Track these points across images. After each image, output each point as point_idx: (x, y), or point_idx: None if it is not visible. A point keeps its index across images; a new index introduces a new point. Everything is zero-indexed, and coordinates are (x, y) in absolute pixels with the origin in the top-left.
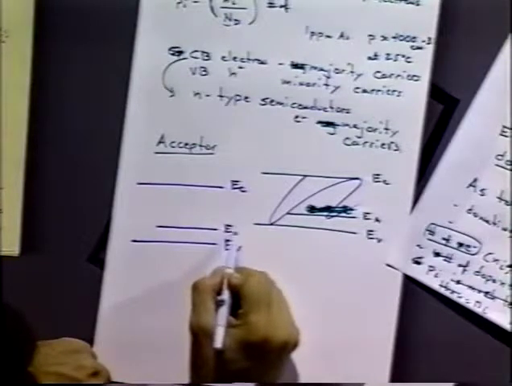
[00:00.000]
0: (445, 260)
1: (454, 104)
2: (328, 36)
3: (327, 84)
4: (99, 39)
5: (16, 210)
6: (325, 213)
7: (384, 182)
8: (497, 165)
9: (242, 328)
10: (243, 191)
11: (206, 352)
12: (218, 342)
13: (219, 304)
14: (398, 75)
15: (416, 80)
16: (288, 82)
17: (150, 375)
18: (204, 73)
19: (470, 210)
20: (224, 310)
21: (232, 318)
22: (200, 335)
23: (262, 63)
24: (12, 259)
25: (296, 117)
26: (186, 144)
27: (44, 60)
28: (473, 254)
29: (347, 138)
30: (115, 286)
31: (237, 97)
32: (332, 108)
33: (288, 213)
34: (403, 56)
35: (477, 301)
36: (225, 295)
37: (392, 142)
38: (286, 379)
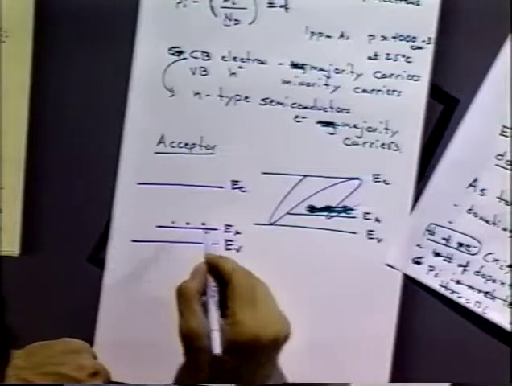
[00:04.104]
0: (445, 260)
1: (454, 104)
2: (328, 36)
3: (327, 84)
4: (99, 39)
5: (16, 210)
6: (325, 213)
7: (384, 182)
8: (497, 165)
9: (231, 328)
10: (243, 191)
11: (200, 357)
12: (216, 348)
13: (205, 305)
14: (398, 75)
15: (416, 80)
16: (288, 82)
17: (150, 375)
18: (204, 73)
19: (470, 210)
20: (214, 313)
21: (220, 318)
22: (191, 341)
23: (262, 63)
24: (12, 259)
25: (296, 117)
26: (186, 144)
27: (44, 60)
28: (473, 254)
29: (347, 138)
30: (115, 286)
31: (237, 97)
32: (332, 108)
33: (288, 213)
34: (403, 56)
35: (477, 301)
36: (212, 296)
37: (392, 142)
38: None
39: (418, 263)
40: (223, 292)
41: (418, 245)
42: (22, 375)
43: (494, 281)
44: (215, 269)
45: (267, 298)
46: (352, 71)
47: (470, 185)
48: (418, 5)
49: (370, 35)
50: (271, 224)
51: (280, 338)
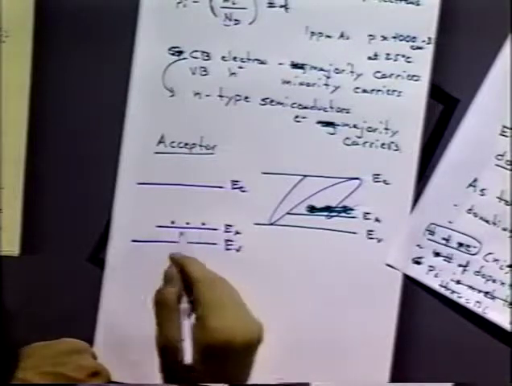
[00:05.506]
0: (445, 260)
1: (454, 104)
2: (328, 36)
3: (327, 84)
4: (99, 39)
5: (16, 210)
6: (325, 213)
7: (384, 182)
8: (497, 165)
9: (202, 334)
10: (243, 191)
11: (178, 366)
12: (188, 357)
13: (180, 313)
14: (398, 75)
15: (416, 80)
16: (288, 82)
17: (150, 376)
18: (204, 73)
19: (470, 210)
20: (187, 323)
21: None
22: (171, 352)
23: (262, 63)
24: (12, 259)
25: (296, 117)
26: (186, 144)
27: (44, 60)
28: (473, 254)
29: (347, 138)
30: (115, 286)
31: (237, 97)
32: (332, 108)
33: (288, 213)
34: (403, 56)
35: (477, 301)
36: (185, 303)
37: (392, 142)
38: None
39: (418, 263)
40: (190, 295)
41: (418, 245)
42: (22, 375)
43: (494, 281)
44: (181, 271)
45: (236, 302)
46: (352, 71)
47: (470, 185)
48: (418, 5)
49: (370, 35)
50: (271, 224)
51: (252, 341)
